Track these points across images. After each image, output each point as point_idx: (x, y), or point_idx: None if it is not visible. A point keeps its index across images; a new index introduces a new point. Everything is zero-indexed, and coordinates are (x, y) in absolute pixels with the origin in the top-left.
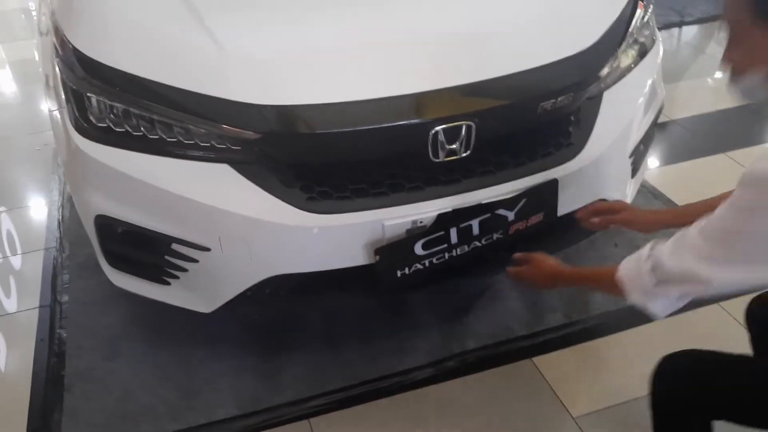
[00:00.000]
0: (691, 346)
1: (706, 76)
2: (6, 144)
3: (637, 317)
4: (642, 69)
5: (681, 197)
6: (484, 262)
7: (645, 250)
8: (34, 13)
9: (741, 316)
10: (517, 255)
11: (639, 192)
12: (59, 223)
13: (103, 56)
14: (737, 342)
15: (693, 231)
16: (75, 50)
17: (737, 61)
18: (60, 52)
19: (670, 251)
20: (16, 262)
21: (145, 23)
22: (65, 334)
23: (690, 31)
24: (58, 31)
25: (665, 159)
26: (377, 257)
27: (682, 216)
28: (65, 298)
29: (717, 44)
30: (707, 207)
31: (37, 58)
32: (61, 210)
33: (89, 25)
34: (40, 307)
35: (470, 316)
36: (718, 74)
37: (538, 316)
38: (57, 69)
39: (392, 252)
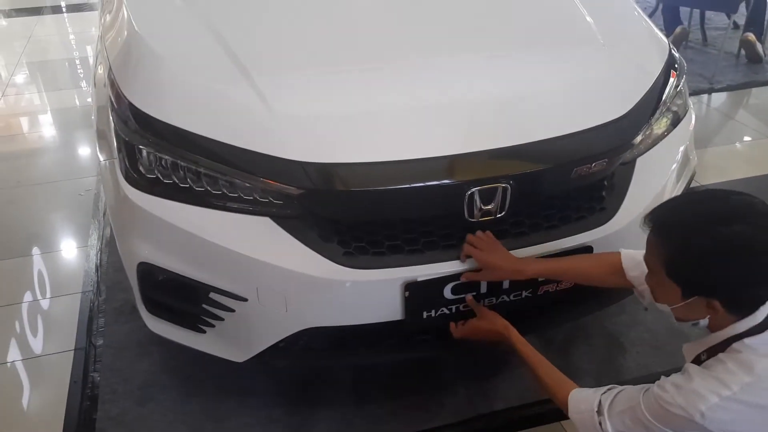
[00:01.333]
0: None
1: (736, 142)
2: (50, 189)
3: None
4: (675, 136)
5: None
6: (508, 320)
7: (596, 399)
8: (78, 63)
9: None
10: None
11: None
12: (97, 267)
13: (155, 111)
14: None
15: (641, 405)
16: (130, 105)
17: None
18: (115, 105)
19: (616, 420)
20: (53, 304)
21: (196, 81)
22: (99, 378)
23: (719, 98)
24: (114, 86)
25: None
26: (407, 293)
27: (566, 271)
28: (100, 341)
29: (746, 111)
30: (595, 264)
31: (77, 104)
32: (99, 255)
33: (144, 82)
34: (75, 349)
35: (498, 377)
36: (747, 139)
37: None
38: (111, 121)
39: (422, 290)
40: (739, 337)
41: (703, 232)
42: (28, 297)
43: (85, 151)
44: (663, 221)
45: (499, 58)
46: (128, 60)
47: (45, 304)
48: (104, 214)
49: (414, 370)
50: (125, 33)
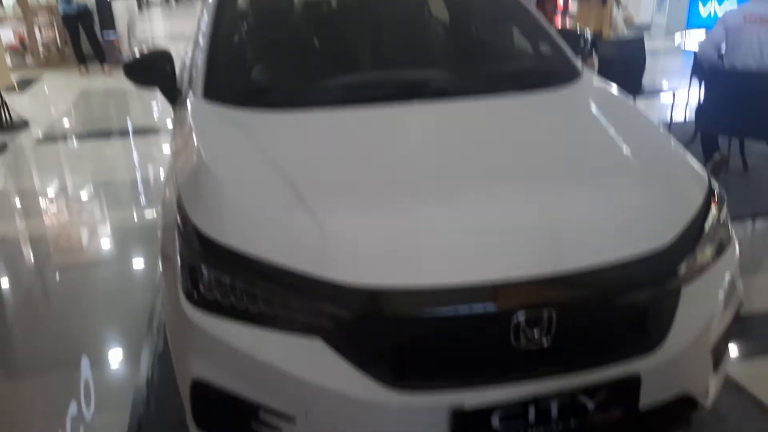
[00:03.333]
0: None
1: None
2: (105, 302)
3: None
4: (720, 265)
5: (765, 392)
6: None
7: None
8: (139, 186)
9: None
10: None
11: (723, 387)
12: (148, 382)
13: (218, 234)
14: None
15: None
16: (195, 228)
17: None
18: (181, 227)
19: None
20: (102, 416)
21: (256, 207)
22: None
23: (763, 224)
24: (182, 210)
25: (747, 354)
26: (454, 421)
27: None
28: None
29: None
30: None
31: (138, 220)
32: (151, 369)
33: (208, 207)
34: None
35: None
36: None
37: None
38: (177, 242)
39: (469, 419)
40: None
41: None
42: (76, 409)
43: (140, 266)
44: None
45: (544, 189)
46: (196, 187)
47: (96, 416)
48: (158, 328)
49: None
50: (194, 160)
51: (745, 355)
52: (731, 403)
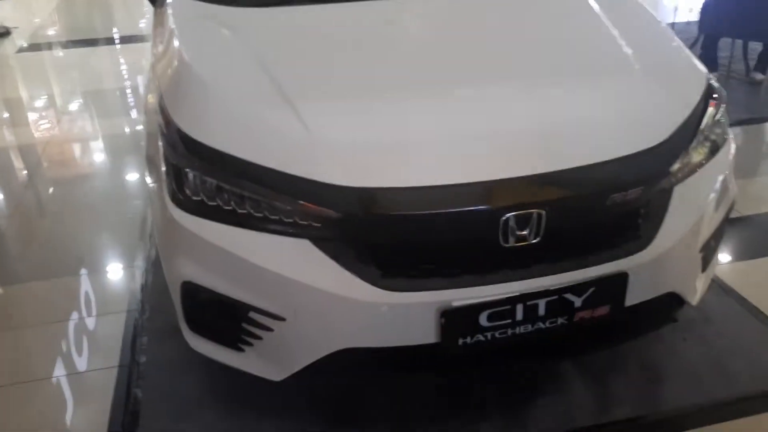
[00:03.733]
0: None
1: None
2: (99, 212)
3: (711, 417)
4: (713, 165)
5: (752, 294)
6: (544, 347)
7: None
8: (129, 94)
9: None
10: None
11: (710, 288)
12: (142, 287)
13: (202, 136)
14: None
15: None
16: (178, 130)
17: None
18: (165, 130)
19: None
20: (98, 322)
21: (241, 108)
22: (141, 394)
23: (762, 129)
24: (164, 112)
25: (737, 255)
26: (443, 320)
27: None
28: (143, 359)
29: None
30: None
31: (128, 129)
32: (145, 275)
33: (192, 109)
34: (119, 366)
35: (534, 402)
36: None
37: (604, 407)
38: (160, 146)
39: (457, 317)
40: None
41: None
42: (74, 315)
43: (133, 175)
44: None
45: (537, 86)
46: (178, 88)
47: (91, 322)
48: (150, 236)
49: (449, 391)
50: (176, 62)
51: (734, 257)
52: (719, 303)
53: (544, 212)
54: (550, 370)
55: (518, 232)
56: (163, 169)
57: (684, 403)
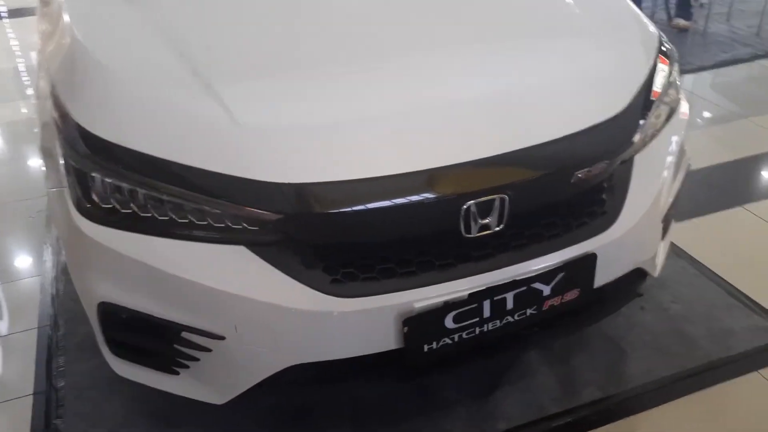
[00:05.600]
0: (734, 419)
1: (713, 124)
2: None
3: (678, 390)
4: (670, 129)
5: (703, 254)
6: (513, 340)
7: None
8: (24, 74)
9: None
10: None
11: None
12: (53, 298)
13: (107, 132)
14: None
15: None
16: (78, 126)
17: None
18: (61, 126)
19: None
20: (5, 342)
21: (151, 96)
22: (62, 425)
23: (689, 79)
24: (58, 104)
25: (685, 214)
26: (405, 328)
27: None
28: (61, 383)
29: (715, 91)
30: None
31: (25, 115)
32: (55, 283)
33: (92, 99)
34: (35, 393)
35: (499, 394)
36: (724, 121)
37: (571, 391)
38: (58, 144)
39: (421, 323)
40: None
41: None
42: None
43: (34, 168)
44: None
45: (484, 55)
46: (72, 74)
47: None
48: (58, 239)
49: (411, 391)
50: (67, 41)
51: (682, 216)
52: (672, 266)
53: (507, 197)
54: (513, 357)
55: (481, 221)
56: (64, 172)
57: (650, 377)
